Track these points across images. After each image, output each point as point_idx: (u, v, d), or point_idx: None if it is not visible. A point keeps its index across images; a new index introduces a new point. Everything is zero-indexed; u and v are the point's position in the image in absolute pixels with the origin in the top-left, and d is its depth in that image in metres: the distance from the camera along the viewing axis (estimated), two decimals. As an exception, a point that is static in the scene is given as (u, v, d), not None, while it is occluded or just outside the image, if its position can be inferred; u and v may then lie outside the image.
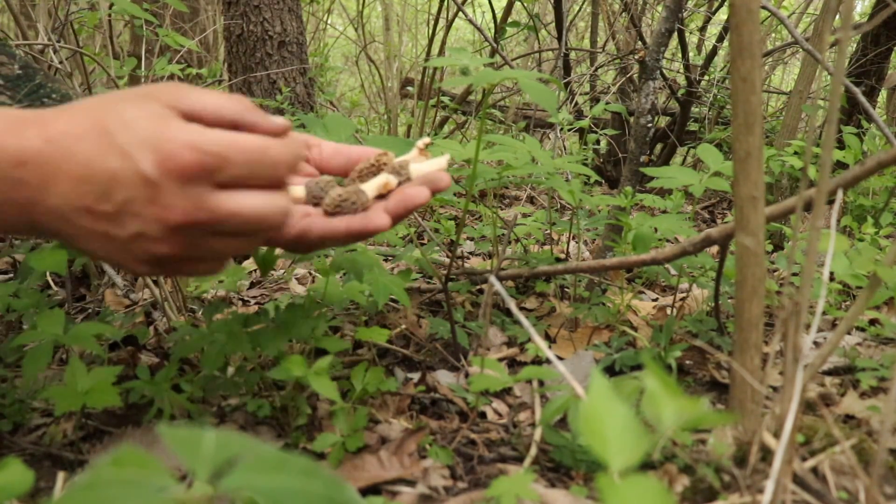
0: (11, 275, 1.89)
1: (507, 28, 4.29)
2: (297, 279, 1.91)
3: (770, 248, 2.53)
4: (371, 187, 0.88)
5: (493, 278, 0.82)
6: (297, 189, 0.89)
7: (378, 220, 0.82)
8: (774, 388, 1.24)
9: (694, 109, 4.23)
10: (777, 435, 0.81)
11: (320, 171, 0.96)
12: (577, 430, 0.97)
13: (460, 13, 3.35)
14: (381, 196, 0.88)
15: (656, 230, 1.49)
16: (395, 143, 1.41)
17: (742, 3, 0.83)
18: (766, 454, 0.83)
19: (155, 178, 0.65)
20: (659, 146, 4.40)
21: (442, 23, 4.46)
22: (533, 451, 1.02)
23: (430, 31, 4.49)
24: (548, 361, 1.35)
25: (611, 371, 1.32)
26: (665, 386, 0.49)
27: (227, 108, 0.73)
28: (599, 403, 0.48)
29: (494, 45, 3.06)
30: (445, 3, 4.21)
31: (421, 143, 0.95)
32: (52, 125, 0.67)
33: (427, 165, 0.91)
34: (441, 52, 4.40)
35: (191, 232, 0.69)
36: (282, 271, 1.93)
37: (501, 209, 3.07)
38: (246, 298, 1.76)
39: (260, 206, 0.71)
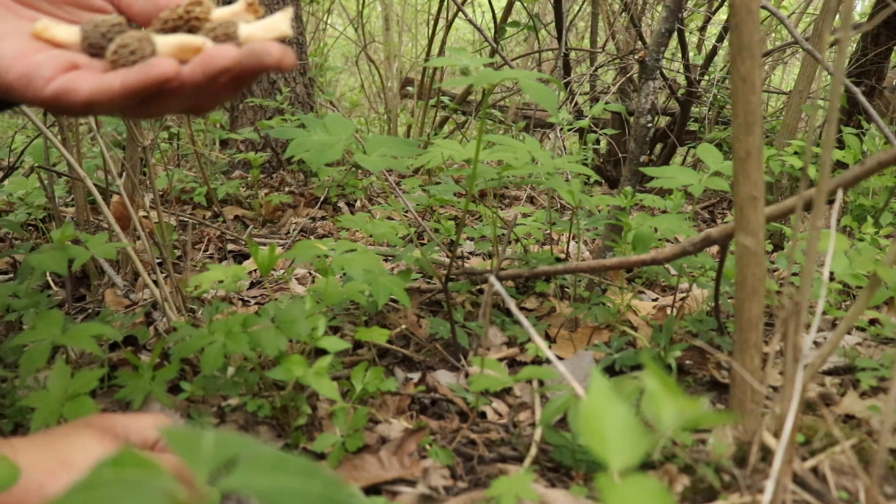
0: (11, 275, 1.89)
1: (507, 28, 4.30)
2: (296, 279, 1.91)
3: (770, 247, 2.53)
4: (167, 43, 0.65)
5: (492, 278, 0.82)
6: (65, 30, 0.67)
7: (160, 66, 0.60)
8: (774, 388, 1.24)
9: (694, 109, 4.23)
10: (777, 435, 0.81)
11: (121, 14, 0.74)
12: (577, 430, 0.97)
13: (460, 13, 3.35)
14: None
15: (656, 230, 1.49)
16: (395, 144, 1.41)
17: (742, 3, 0.83)
18: (767, 454, 0.83)
19: None
20: (659, 146, 4.39)
21: (442, 23, 4.46)
22: (533, 451, 1.02)
23: (430, 31, 4.49)
24: (548, 361, 1.35)
25: (611, 371, 1.32)
26: (665, 386, 0.49)
27: (148, 431, 0.81)
28: (599, 403, 0.48)
29: (494, 45, 3.05)
30: (445, 3, 4.21)
31: None
32: (20, 455, 0.70)
33: (260, 27, 0.67)
34: (441, 52, 4.41)
35: None
36: (282, 271, 1.93)
37: (501, 209, 3.07)
38: (246, 298, 1.76)
39: None
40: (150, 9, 0.72)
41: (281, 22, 0.66)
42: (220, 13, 0.68)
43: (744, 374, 0.89)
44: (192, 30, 0.68)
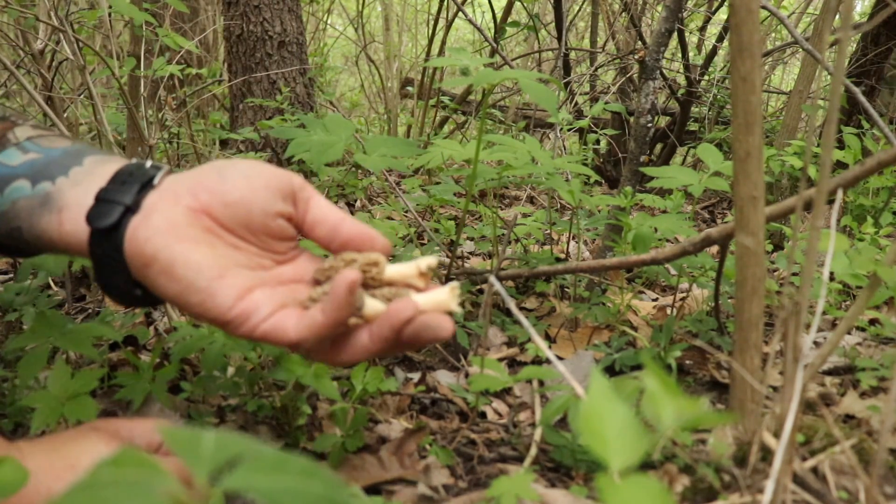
0: (11, 275, 1.89)
1: (507, 28, 4.30)
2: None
3: (770, 247, 2.53)
4: (372, 305, 0.71)
5: (492, 278, 0.82)
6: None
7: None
8: (774, 388, 1.24)
9: (694, 109, 4.23)
10: (777, 435, 0.81)
11: (301, 235, 0.80)
12: (577, 429, 0.97)
13: (460, 13, 3.35)
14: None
15: (656, 230, 1.49)
16: (396, 144, 1.41)
17: (742, 3, 0.83)
18: (767, 454, 0.83)
19: None
20: (659, 146, 4.40)
21: (442, 23, 4.46)
22: (533, 451, 1.02)
23: (430, 31, 4.49)
24: (548, 361, 1.36)
25: (611, 371, 1.32)
26: (664, 386, 0.49)
27: (152, 433, 0.79)
28: (599, 403, 0.48)
29: (494, 45, 3.06)
30: (445, 3, 4.21)
31: (424, 264, 0.74)
32: (28, 459, 0.69)
33: (431, 302, 0.71)
34: (441, 52, 4.41)
35: None
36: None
37: (501, 209, 3.07)
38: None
39: None
40: (329, 235, 0.76)
41: (450, 301, 0.71)
42: (392, 272, 0.73)
43: (744, 374, 0.89)
44: (366, 287, 0.73)
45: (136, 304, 0.77)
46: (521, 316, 0.74)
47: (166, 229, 0.69)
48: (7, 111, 0.87)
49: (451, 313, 0.72)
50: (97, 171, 0.76)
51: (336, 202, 2.90)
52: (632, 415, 0.48)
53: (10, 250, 0.83)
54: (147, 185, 0.73)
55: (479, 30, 3.12)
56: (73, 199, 0.74)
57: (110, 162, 0.78)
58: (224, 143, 3.46)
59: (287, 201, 0.75)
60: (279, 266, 0.76)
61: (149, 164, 0.76)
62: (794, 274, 1.65)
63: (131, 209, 0.71)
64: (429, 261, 0.74)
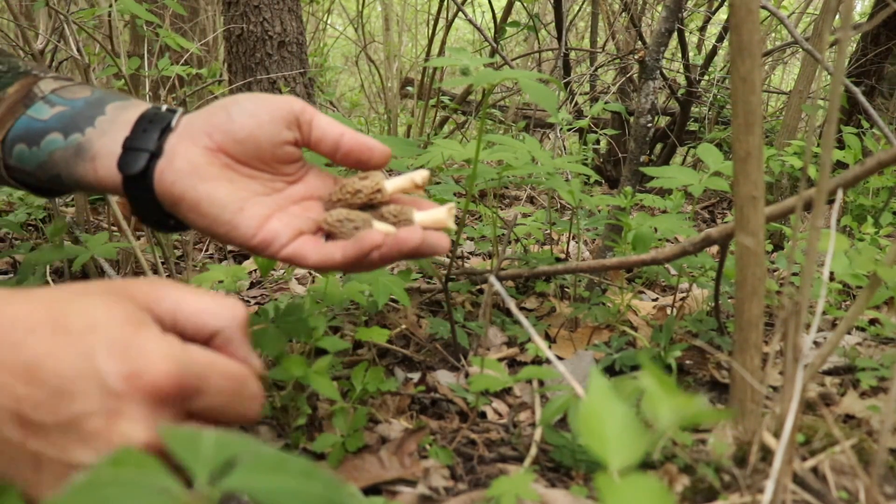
0: (11, 275, 1.89)
1: (507, 28, 4.30)
2: (296, 279, 1.91)
3: (770, 247, 2.53)
4: (380, 227, 0.80)
5: (492, 278, 0.82)
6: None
7: (371, 239, 0.77)
8: (774, 388, 1.24)
9: (694, 109, 4.23)
10: (777, 435, 0.81)
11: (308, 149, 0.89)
12: (577, 429, 0.97)
13: (460, 13, 3.35)
14: None
15: (656, 230, 1.49)
16: (396, 143, 1.41)
17: (742, 2, 0.83)
18: (767, 454, 0.83)
19: (119, 391, 0.52)
20: (659, 146, 4.40)
21: (442, 23, 4.46)
22: (533, 451, 1.02)
23: (430, 32, 4.49)
24: (548, 361, 1.35)
25: (611, 371, 1.32)
26: (663, 384, 0.49)
27: (211, 318, 0.64)
28: (599, 403, 0.48)
29: (494, 45, 3.06)
30: (445, 3, 4.21)
31: (419, 177, 0.84)
32: (9, 306, 0.55)
33: (429, 219, 0.82)
34: (441, 52, 4.41)
35: None
36: (282, 271, 1.93)
37: (501, 209, 3.07)
38: (246, 298, 1.76)
39: None
40: (332, 148, 0.85)
41: (448, 219, 0.82)
42: (391, 187, 0.84)
43: (744, 373, 0.89)
44: (372, 208, 0.84)
45: (171, 230, 0.89)
46: (520, 316, 0.74)
47: (189, 171, 0.78)
48: (28, 64, 0.94)
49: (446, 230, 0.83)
50: (120, 120, 0.85)
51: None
52: (631, 414, 0.48)
53: (54, 192, 0.94)
54: (166, 129, 0.82)
55: (479, 30, 3.12)
56: (103, 149, 0.83)
57: (130, 108, 0.86)
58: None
59: (292, 128, 0.83)
60: (291, 186, 0.86)
61: (164, 107, 0.85)
62: (794, 274, 1.65)
63: (155, 154, 0.80)
64: (423, 173, 0.84)
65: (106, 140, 0.83)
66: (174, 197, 0.78)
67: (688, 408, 0.48)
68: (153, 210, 0.83)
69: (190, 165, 0.79)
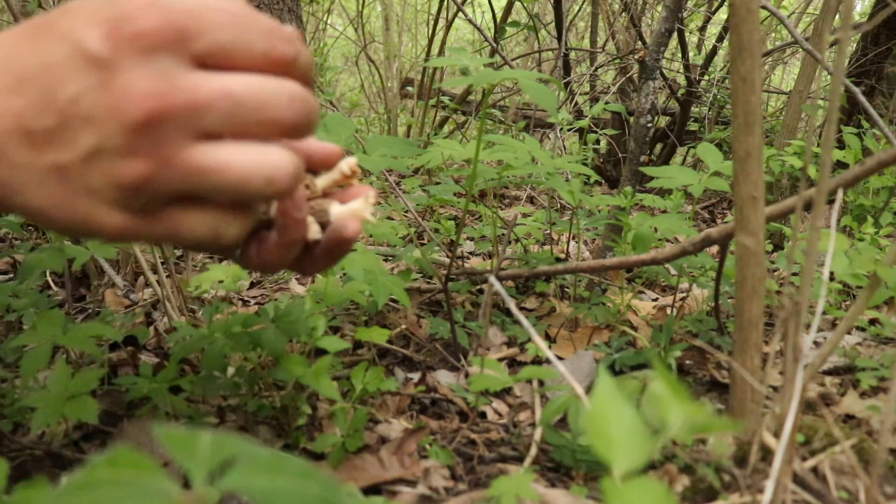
0: (11, 275, 1.89)
1: (507, 28, 4.30)
2: (296, 279, 1.91)
3: (770, 247, 2.53)
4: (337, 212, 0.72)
5: (492, 278, 0.82)
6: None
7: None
8: (774, 388, 1.24)
9: (694, 109, 4.23)
10: (777, 435, 0.81)
11: None
12: (579, 430, 0.96)
13: (460, 13, 3.35)
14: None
15: (656, 230, 1.48)
16: (395, 144, 1.41)
17: (741, 2, 0.83)
18: (766, 454, 0.82)
19: (105, 53, 0.48)
20: (659, 146, 4.40)
21: (442, 23, 4.46)
22: (533, 450, 1.02)
23: (430, 31, 4.49)
24: (548, 361, 1.35)
25: (611, 371, 1.32)
26: (671, 389, 0.49)
27: None
28: (605, 405, 0.48)
29: (494, 45, 3.05)
30: (445, 3, 4.21)
31: (346, 166, 0.74)
32: None
33: (347, 211, 0.72)
34: (441, 52, 4.41)
35: (162, 132, 0.49)
36: (282, 271, 1.93)
37: (501, 209, 3.07)
38: (246, 298, 1.76)
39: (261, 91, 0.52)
40: None
41: (364, 209, 0.72)
42: (321, 182, 0.74)
43: (744, 374, 0.89)
44: None
45: None
46: (520, 316, 0.74)
47: None
48: None
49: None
50: None
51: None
52: (638, 417, 0.47)
53: None
54: None
55: (479, 29, 3.12)
56: None
57: None
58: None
59: None
60: None
61: None
62: (794, 274, 1.65)
63: None
64: (350, 162, 0.76)
65: None
66: None
67: (696, 415, 0.47)
68: None
69: None
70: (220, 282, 1.26)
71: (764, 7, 1.80)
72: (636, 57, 1.91)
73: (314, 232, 0.69)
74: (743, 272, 0.89)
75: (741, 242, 0.88)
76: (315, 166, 0.72)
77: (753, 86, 0.85)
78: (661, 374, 0.50)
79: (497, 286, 0.77)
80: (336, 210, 0.72)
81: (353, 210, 0.73)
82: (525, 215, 1.98)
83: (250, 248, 0.63)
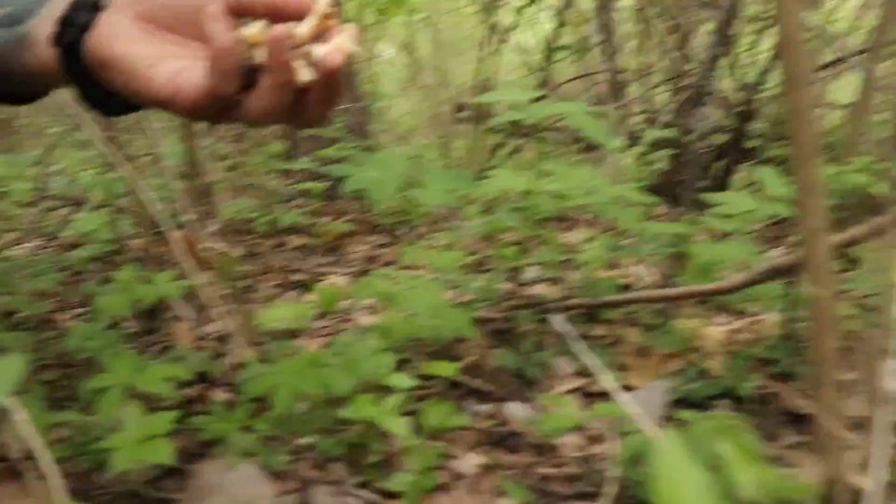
0: (87, 307, 1.93)
1: (557, 52, 4.29)
2: (363, 310, 1.92)
3: (843, 266, 2.46)
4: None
5: (555, 318, 0.82)
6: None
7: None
8: (860, 422, 1.21)
9: (751, 127, 4.17)
10: (865, 472, 0.79)
11: None
12: (651, 484, 0.95)
13: (508, 40, 3.36)
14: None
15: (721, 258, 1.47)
16: (450, 179, 1.43)
17: (790, 36, 0.82)
18: (856, 497, 0.80)
19: None
20: (718, 165, 4.33)
21: (492, 47, 4.48)
22: (611, 487, 1.01)
23: (479, 59, 4.51)
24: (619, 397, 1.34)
25: (685, 402, 1.30)
26: (742, 451, 0.48)
27: None
28: (673, 468, 0.47)
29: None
30: (493, 29, 4.23)
31: (320, 9, 0.78)
32: None
33: (331, 46, 0.76)
34: (493, 78, 4.42)
35: None
36: (349, 301, 1.94)
37: (562, 232, 3.06)
38: (314, 328, 1.78)
39: None
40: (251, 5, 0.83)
41: (346, 42, 0.77)
42: (302, 30, 0.78)
43: (823, 412, 0.87)
44: None
45: (118, 113, 0.93)
46: (587, 357, 0.74)
47: (111, 34, 0.81)
48: None
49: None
50: (59, 6, 0.86)
51: (396, 230, 2.93)
52: (707, 480, 0.47)
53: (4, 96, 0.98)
54: (99, 6, 0.84)
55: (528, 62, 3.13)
56: (41, 34, 0.86)
57: None
58: (285, 173, 3.50)
59: None
60: None
61: None
62: (870, 296, 1.61)
63: (87, 27, 0.83)
64: (322, 3, 0.78)
65: (44, 25, 0.86)
66: (99, 61, 0.81)
67: (769, 479, 0.47)
68: (94, 88, 0.86)
69: (112, 30, 0.82)
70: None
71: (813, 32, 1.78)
72: (688, 79, 1.90)
73: (305, 74, 0.75)
74: (814, 308, 0.87)
75: (807, 279, 0.86)
76: (292, 17, 0.78)
77: (807, 116, 0.84)
78: (728, 436, 0.49)
79: (561, 328, 0.77)
80: (319, 50, 0.77)
81: (336, 44, 0.77)
82: (587, 240, 1.97)
83: (248, 100, 0.77)
